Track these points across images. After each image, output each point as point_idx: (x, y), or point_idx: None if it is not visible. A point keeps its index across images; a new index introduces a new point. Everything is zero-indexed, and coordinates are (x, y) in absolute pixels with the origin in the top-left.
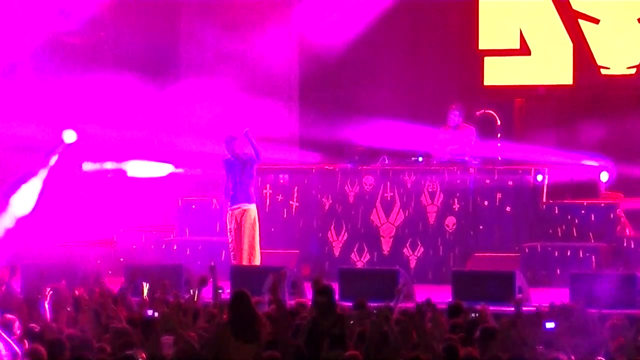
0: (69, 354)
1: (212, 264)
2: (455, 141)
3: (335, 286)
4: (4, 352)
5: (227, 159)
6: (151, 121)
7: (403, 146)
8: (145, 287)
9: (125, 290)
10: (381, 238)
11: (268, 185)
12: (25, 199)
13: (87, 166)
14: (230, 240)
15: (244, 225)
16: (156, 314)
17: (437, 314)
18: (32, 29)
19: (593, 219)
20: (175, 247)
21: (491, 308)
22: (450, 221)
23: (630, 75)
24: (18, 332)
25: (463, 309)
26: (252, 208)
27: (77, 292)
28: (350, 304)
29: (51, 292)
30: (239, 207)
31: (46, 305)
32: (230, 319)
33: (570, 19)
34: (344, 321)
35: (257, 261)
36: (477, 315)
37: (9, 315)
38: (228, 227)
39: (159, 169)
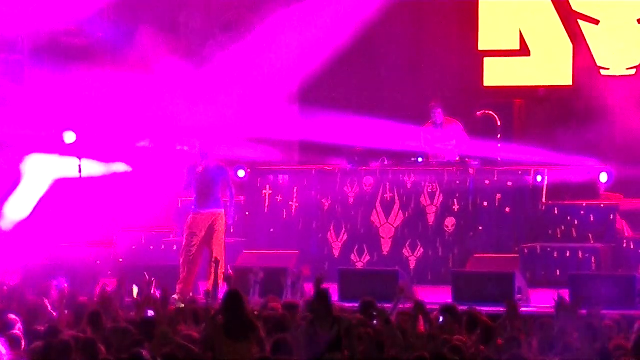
0: (74, 355)
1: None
2: (443, 139)
3: (335, 287)
4: (4, 351)
5: (210, 169)
6: (150, 121)
7: (403, 147)
8: (135, 290)
9: (117, 292)
10: (381, 239)
11: (268, 186)
12: (24, 200)
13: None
14: (190, 242)
15: (220, 229)
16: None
17: (428, 315)
18: (32, 29)
19: (592, 219)
20: (174, 248)
21: (491, 309)
22: (450, 222)
23: (630, 76)
24: (20, 332)
25: (457, 309)
26: (223, 213)
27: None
28: (350, 304)
29: (52, 293)
30: (212, 211)
31: (48, 306)
32: (224, 320)
33: (570, 19)
34: (340, 324)
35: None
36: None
37: (11, 316)
38: (191, 231)
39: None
